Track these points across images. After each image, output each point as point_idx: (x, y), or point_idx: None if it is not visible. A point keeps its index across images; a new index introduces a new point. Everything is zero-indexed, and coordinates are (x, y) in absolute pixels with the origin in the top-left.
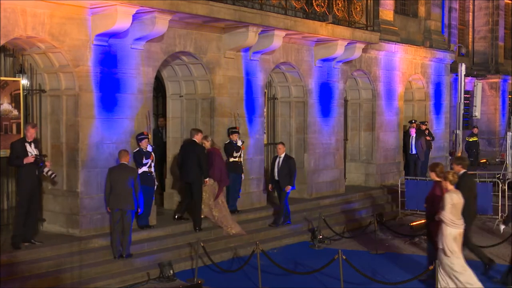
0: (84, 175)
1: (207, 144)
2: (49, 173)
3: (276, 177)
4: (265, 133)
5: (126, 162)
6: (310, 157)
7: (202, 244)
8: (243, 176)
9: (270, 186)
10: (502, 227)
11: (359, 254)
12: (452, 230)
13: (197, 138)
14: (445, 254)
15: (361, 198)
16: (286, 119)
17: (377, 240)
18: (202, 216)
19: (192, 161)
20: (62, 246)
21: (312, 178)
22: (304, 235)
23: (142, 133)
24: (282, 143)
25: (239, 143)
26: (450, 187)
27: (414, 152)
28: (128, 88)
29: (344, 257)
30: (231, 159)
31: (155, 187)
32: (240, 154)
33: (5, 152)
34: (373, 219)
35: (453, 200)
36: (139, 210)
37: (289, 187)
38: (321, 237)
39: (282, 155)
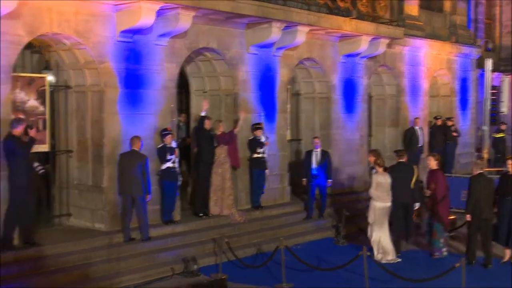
0: (109, 171)
1: (221, 128)
2: (38, 168)
3: (315, 171)
4: (288, 129)
5: (137, 149)
6: (334, 153)
7: (226, 240)
8: (267, 172)
9: (304, 181)
10: None
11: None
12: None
13: (206, 125)
14: None
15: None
16: (310, 115)
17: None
18: (212, 203)
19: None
20: (88, 241)
21: (336, 174)
22: (327, 231)
23: (166, 129)
24: (318, 137)
25: (263, 139)
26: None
27: (421, 144)
28: (152, 84)
29: (368, 253)
30: (255, 155)
31: (179, 182)
32: (264, 150)
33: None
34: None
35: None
36: (147, 197)
37: (330, 181)
38: (344, 233)
39: (319, 149)
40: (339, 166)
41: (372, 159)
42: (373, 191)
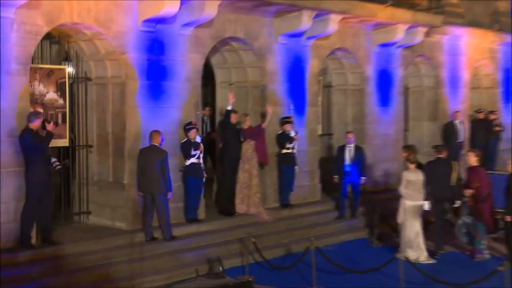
0: (130, 166)
1: (248, 122)
2: (55, 164)
3: (348, 168)
4: (319, 123)
5: (157, 144)
6: (368, 148)
7: (252, 240)
8: (296, 168)
9: (335, 178)
10: None
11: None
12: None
13: (232, 119)
14: None
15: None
16: (342, 108)
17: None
18: (238, 201)
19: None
20: (109, 240)
21: (370, 171)
22: (361, 232)
23: (190, 123)
24: (352, 132)
25: (292, 133)
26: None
27: (461, 140)
28: (176, 75)
29: (402, 255)
30: (284, 151)
31: (204, 179)
32: (294, 146)
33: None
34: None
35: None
36: (168, 194)
37: (364, 178)
38: (379, 234)
39: (352, 145)
40: (373, 163)
41: (405, 155)
42: (403, 189)
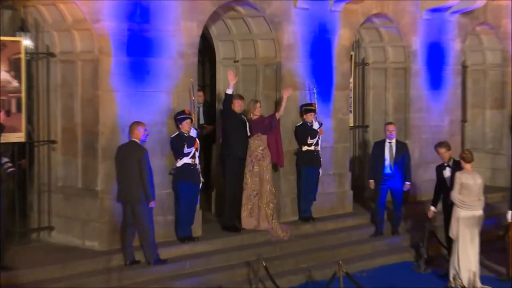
0: (105, 168)
1: (257, 111)
2: (6, 165)
3: (389, 170)
4: (351, 111)
5: (136, 139)
6: (414, 144)
7: (264, 264)
8: (320, 171)
9: (371, 183)
10: None
11: (483, 280)
12: None
13: (237, 107)
14: None
15: (485, 202)
16: (381, 92)
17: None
18: (245, 214)
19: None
20: (77, 264)
21: (417, 174)
22: (405, 253)
23: (183, 112)
24: (393, 123)
25: (316, 125)
26: None
27: None
28: (165, 50)
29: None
30: (305, 148)
31: (200, 185)
32: (317, 141)
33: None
34: (503, 231)
35: None
36: (151, 204)
37: (408, 184)
38: (428, 255)
39: (394, 140)
40: (421, 163)
41: (446, 153)
42: (456, 195)
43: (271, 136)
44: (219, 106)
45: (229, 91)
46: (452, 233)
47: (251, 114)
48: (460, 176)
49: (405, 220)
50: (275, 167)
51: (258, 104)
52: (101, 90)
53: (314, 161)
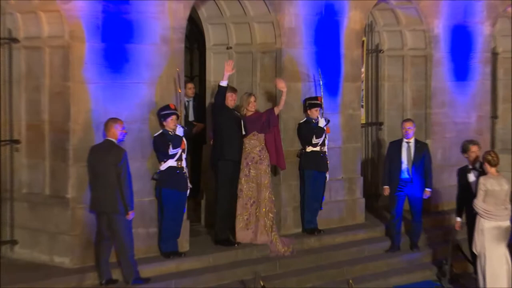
0: (77, 172)
1: (252, 106)
2: None
3: (406, 174)
4: (362, 106)
5: (112, 139)
6: (436, 145)
7: (261, 283)
8: (327, 175)
9: (386, 189)
10: None
11: None
12: None
13: (229, 101)
14: None
15: None
16: (397, 84)
17: None
18: (240, 226)
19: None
20: (45, 283)
21: (439, 179)
22: (426, 271)
23: (167, 107)
24: (411, 120)
25: (322, 122)
26: None
27: None
28: (147, 35)
29: None
30: (309, 148)
31: (188, 191)
32: (324, 141)
33: None
34: None
35: None
36: (128, 214)
37: (429, 190)
38: (453, 273)
39: (412, 140)
40: (444, 166)
41: (477, 153)
42: (479, 204)
43: (269, 135)
44: (210, 100)
45: (223, 83)
46: (475, 248)
47: (245, 110)
48: (484, 182)
49: (426, 233)
50: (275, 170)
51: (252, 98)
52: (72, 81)
53: (320, 164)
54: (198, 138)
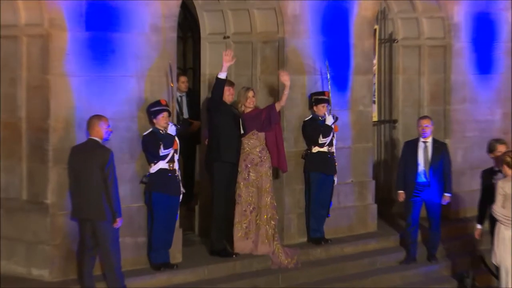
0: (58, 175)
1: (251, 101)
2: None
3: (423, 178)
4: (374, 102)
5: (97, 138)
6: (456, 145)
7: None
8: (335, 179)
9: (401, 194)
10: None
11: None
12: None
13: (226, 96)
14: None
15: None
16: (413, 77)
17: None
18: (239, 235)
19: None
20: None
21: (459, 182)
22: (444, 284)
23: (158, 102)
24: (428, 117)
25: (329, 120)
26: None
27: None
28: (135, 23)
29: None
30: (315, 149)
31: (181, 196)
32: (331, 141)
33: None
34: None
35: None
36: (116, 222)
37: (448, 196)
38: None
39: (430, 139)
40: (465, 168)
41: (502, 150)
42: (498, 209)
43: (270, 133)
44: (205, 95)
45: (222, 75)
46: (495, 258)
47: (242, 106)
48: (502, 186)
49: (445, 243)
50: (277, 173)
51: (250, 93)
52: (52, 74)
53: (327, 166)
54: (191, 137)
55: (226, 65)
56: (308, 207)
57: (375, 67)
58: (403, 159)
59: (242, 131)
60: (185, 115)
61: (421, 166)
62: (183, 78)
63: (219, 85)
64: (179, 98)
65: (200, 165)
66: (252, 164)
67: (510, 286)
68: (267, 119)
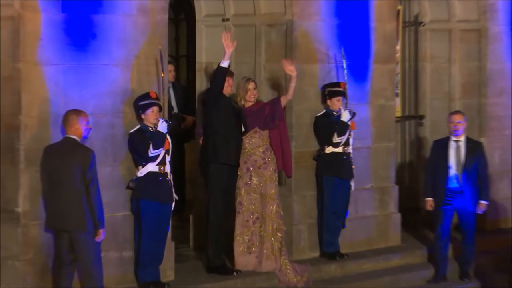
0: (31, 179)
1: (252, 94)
2: None
3: (455, 183)
4: (398, 95)
5: (75, 136)
6: (493, 144)
7: None
8: (352, 184)
9: (429, 202)
10: None
11: None
12: None
13: (225, 88)
14: None
15: None
16: (442, 65)
17: None
18: (240, 249)
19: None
20: None
21: (498, 189)
22: None
23: (147, 95)
24: (461, 113)
25: (346, 116)
26: None
27: None
28: (120, 3)
29: None
30: (329, 149)
31: (173, 204)
32: (348, 140)
33: None
34: None
35: None
36: (99, 234)
37: (484, 203)
38: None
39: (462, 139)
40: (505, 172)
41: None
42: None
43: (274, 131)
44: (202, 86)
45: (225, 64)
46: None
47: (242, 100)
48: None
49: (480, 258)
50: (283, 178)
51: (251, 84)
52: (24, 62)
53: (342, 169)
54: (182, 134)
55: (228, 51)
56: (321, 216)
57: (398, 54)
58: (432, 161)
59: (243, 129)
60: (174, 109)
61: (453, 170)
62: (170, 67)
63: (220, 75)
64: (168, 90)
65: (189, 167)
66: (254, 166)
67: None
68: (271, 115)
